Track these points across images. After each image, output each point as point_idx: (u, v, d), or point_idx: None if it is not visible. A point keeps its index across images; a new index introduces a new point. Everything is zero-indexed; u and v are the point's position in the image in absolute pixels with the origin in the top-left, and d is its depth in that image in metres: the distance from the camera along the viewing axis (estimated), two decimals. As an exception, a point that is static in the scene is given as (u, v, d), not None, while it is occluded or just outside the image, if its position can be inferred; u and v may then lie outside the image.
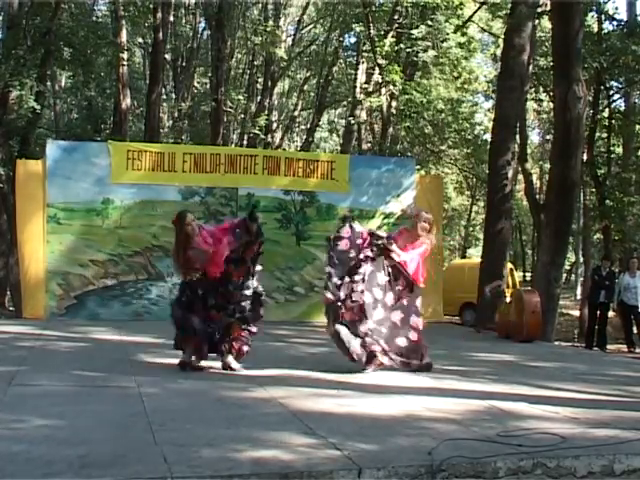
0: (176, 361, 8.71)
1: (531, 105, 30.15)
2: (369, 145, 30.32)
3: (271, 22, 32.43)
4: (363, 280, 8.77)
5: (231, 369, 8.60)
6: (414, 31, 23.00)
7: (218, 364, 8.70)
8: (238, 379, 8.06)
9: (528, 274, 41.18)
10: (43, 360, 9.09)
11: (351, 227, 9.09)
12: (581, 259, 30.47)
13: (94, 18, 26.97)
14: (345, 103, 34.45)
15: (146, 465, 4.57)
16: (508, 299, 16.07)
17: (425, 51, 23.16)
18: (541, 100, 28.16)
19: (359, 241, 8.99)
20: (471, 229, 47.70)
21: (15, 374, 7.78)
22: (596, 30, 23.22)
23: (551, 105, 22.72)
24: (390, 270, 8.97)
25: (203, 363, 8.68)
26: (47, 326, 12.95)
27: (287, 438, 5.37)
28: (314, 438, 5.40)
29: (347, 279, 8.76)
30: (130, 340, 11.40)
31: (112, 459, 4.67)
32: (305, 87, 38.63)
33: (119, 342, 11.24)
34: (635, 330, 17.62)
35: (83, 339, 11.45)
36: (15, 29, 20.08)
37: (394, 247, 8.96)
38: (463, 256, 45.27)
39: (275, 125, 37.63)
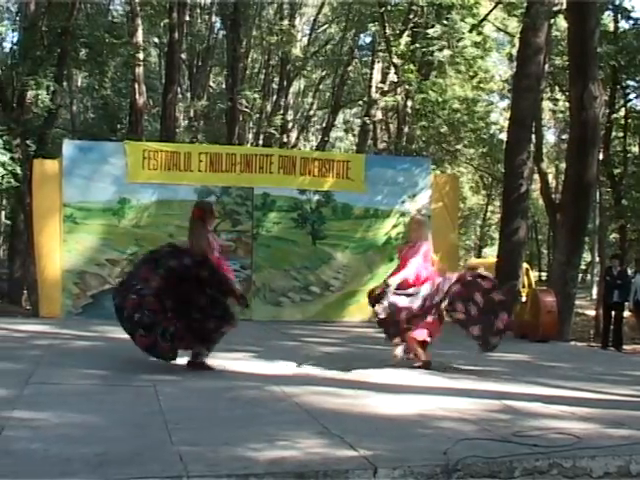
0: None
1: (547, 104, 29.99)
2: (385, 144, 30.18)
3: (286, 22, 32.47)
4: None
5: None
6: (430, 30, 22.96)
7: (232, 364, 8.71)
8: (253, 378, 8.01)
9: (544, 274, 41.05)
10: (60, 359, 9.07)
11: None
12: (597, 259, 30.33)
13: (110, 18, 27.01)
14: (360, 102, 34.40)
15: (162, 464, 4.55)
16: (524, 299, 16.00)
17: (440, 50, 23.13)
18: (557, 99, 28.06)
19: None
20: (487, 229, 47.59)
21: (32, 373, 7.78)
22: (612, 29, 23.15)
23: (567, 104, 22.59)
24: None
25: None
26: (64, 325, 12.93)
27: (302, 437, 5.33)
28: (329, 437, 5.36)
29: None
30: (146, 339, 11.37)
31: (128, 458, 4.65)
32: (321, 86, 38.65)
33: (135, 341, 11.23)
34: (651, 330, 17.55)
35: (99, 338, 11.43)
36: (32, 30, 20.20)
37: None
38: (479, 256, 45.19)
39: (291, 125, 37.54)
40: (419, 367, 9.13)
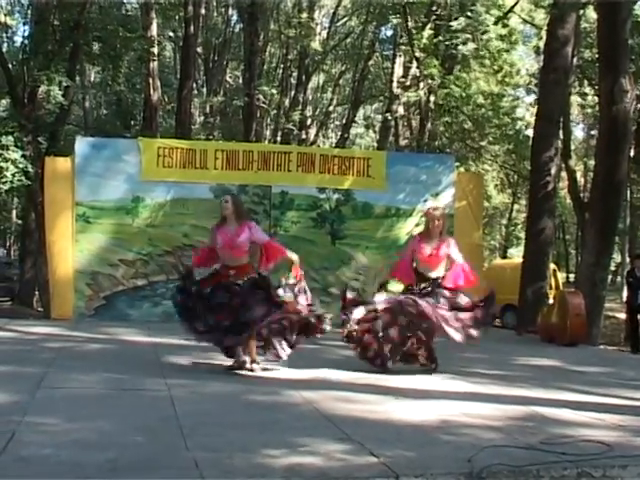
0: (206, 362, 8.88)
1: (575, 99, 29.86)
2: (407, 141, 30.21)
3: (305, 14, 32.59)
4: None
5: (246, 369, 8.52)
6: (453, 23, 23.01)
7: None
8: (271, 382, 8.04)
9: (572, 275, 41.01)
10: (72, 362, 9.04)
11: None
12: (627, 259, 29.94)
13: (124, 11, 26.90)
14: (382, 98, 34.40)
15: (177, 470, 4.55)
16: (551, 301, 15.78)
17: (464, 43, 23.15)
18: (586, 94, 27.99)
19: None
20: (512, 228, 47.78)
21: (44, 376, 7.76)
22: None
23: (596, 99, 22.44)
24: None
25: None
26: (75, 327, 12.99)
27: (322, 444, 5.29)
28: (349, 444, 5.32)
29: None
30: (160, 342, 11.36)
31: (142, 463, 4.65)
32: (340, 81, 38.74)
33: (149, 344, 11.25)
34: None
35: (112, 341, 11.51)
36: (43, 23, 20.30)
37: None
38: (504, 256, 45.39)
39: (309, 121, 37.64)
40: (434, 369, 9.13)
